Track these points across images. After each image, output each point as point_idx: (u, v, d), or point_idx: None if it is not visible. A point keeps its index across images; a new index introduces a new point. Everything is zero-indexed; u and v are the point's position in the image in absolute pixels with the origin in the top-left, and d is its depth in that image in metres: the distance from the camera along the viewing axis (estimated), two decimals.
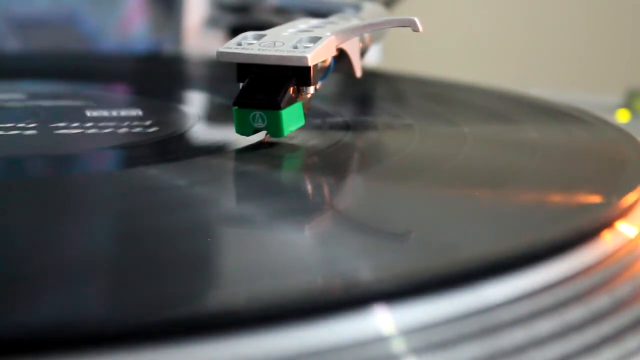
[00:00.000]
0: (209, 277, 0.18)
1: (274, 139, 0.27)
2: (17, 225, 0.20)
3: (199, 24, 0.55)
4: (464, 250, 0.19)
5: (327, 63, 0.28)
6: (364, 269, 0.18)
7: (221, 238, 0.20)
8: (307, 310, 0.16)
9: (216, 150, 0.29)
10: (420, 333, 0.17)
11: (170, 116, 0.33)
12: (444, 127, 0.32)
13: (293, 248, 0.20)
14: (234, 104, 0.26)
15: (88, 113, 0.32)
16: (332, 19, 0.32)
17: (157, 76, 0.46)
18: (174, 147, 0.29)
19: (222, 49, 0.27)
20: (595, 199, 0.23)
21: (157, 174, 0.25)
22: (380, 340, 0.16)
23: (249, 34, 0.28)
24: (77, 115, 0.32)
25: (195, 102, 0.39)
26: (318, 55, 0.26)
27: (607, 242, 0.21)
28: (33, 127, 0.30)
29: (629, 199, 0.22)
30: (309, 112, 0.28)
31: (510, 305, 0.18)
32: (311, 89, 0.27)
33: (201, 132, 0.30)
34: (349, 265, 0.18)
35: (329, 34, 0.27)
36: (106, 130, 0.30)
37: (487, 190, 0.24)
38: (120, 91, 0.42)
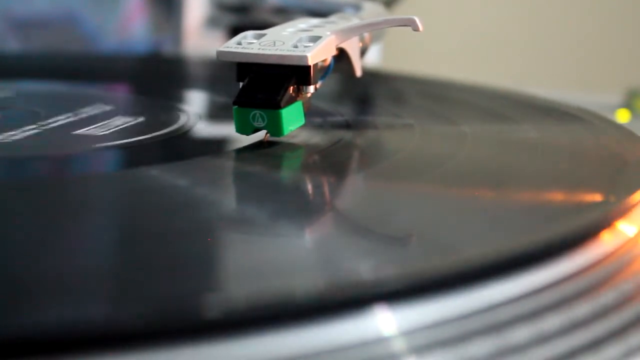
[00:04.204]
0: (210, 278, 0.18)
1: (274, 138, 0.27)
2: (17, 226, 0.20)
3: (199, 24, 0.55)
4: (464, 250, 0.19)
5: (327, 62, 0.28)
6: (365, 269, 0.18)
7: (222, 239, 0.20)
8: (307, 311, 0.16)
9: (216, 150, 0.29)
10: (421, 333, 0.17)
11: (170, 116, 0.33)
12: (444, 127, 0.32)
13: (294, 248, 0.20)
14: (234, 103, 0.26)
15: (88, 113, 0.32)
16: (332, 18, 0.32)
17: (157, 76, 0.46)
18: (174, 147, 0.29)
19: (222, 49, 0.27)
20: (596, 198, 0.23)
21: (158, 174, 0.25)
22: (381, 340, 0.16)
23: (249, 33, 0.28)
24: (77, 115, 0.32)
25: (195, 102, 0.39)
26: (318, 54, 0.26)
27: (607, 242, 0.21)
28: (33, 127, 0.30)
29: (630, 198, 0.22)
30: (309, 112, 0.28)
31: (511, 304, 0.18)
32: (311, 89, 0.27)
33: (201, 132, 0.30)
34: (350, 265, 0.18)
35: (329, 33, 0.27)
36: (107, 131, 0.30)
37: (487, 190, 0.24)
38: (120, 91, 0.42)
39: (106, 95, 0.38)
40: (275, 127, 0.26)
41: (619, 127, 0.31)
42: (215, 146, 0.30)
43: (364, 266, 0.18)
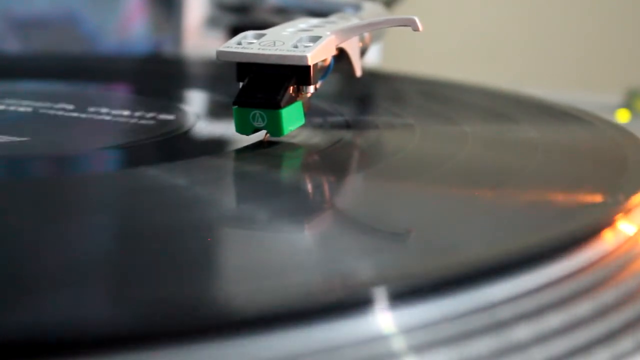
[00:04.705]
0: (209, 277, 0.18)
1: (274, 138, 0.27)
2: (17, 226, 0.20)
3: (199, 24, 0.55)
4: (464, 250, 0.19)
5: (327, 62, 0.28)
6: (365, 269, 0.18)
7: (221, 238, 0.20)
8: (307, 310, 0.16)
9: (216, 150, 0.29)
10: (421, 332, 0.17)
11: (170, 116, 0.33)
12: (444, 127, 0.32)
13: (293, 248, 0.20)
14: (234, 103, 0.26)
15: (88, 113, 0.32)
16: (332, 18, 0.32)
17: (157, 76, 0.46)
18: (174, 147, 0.29)
19: (221, 48, 0.27)
20: (596, 198, 0.23)
21: (158, 174, 0.25)
22: (381, 339, 0.16)
23: (249, 33, 0.28)
24: (77, 115, 0.32)
25: (195, 102, 0.39)
26: (318, 54, 0.26)
27: (607, 241, 0.21)
28: (33, 127, 0.30)
29: (630, 198, 0.22)
30: (309, 112, 0.28)
31: (510, 304, 0.18)
32: (311, 89, 0.27)
33: (201, 131, 0.30)
34: (349, 265, 0.18)
35: (328, 33, 0.27)
36: (106, 131, 0.30)
37: (488, 190, 0.24)
38: (120, 91, 0.42)
39: (106, 95, 0.38)
40: (275, 127, 0.26)
41: (619, 128, 0.31)
42: (215, 146, 0.30)
43: (364, 266, 0.18)
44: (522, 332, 0.17)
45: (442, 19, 0.71)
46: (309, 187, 0.25)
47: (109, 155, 0.28)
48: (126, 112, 0.32)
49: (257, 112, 0.26)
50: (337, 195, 0.24)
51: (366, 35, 0.32)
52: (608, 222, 0.21)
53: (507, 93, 0.38)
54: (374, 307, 0.17)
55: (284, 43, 0.26)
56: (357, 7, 0.36)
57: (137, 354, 0.15)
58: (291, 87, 0.26)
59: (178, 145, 0.29)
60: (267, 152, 0.27)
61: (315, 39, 0.27)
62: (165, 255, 0.18)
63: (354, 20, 0.31)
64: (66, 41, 0.53)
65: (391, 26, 0.29)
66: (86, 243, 0.19)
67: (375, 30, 0.31)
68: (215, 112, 0.36)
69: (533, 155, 0.27)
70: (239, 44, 0.27)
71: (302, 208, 0.23)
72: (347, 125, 0.31)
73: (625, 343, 0.18)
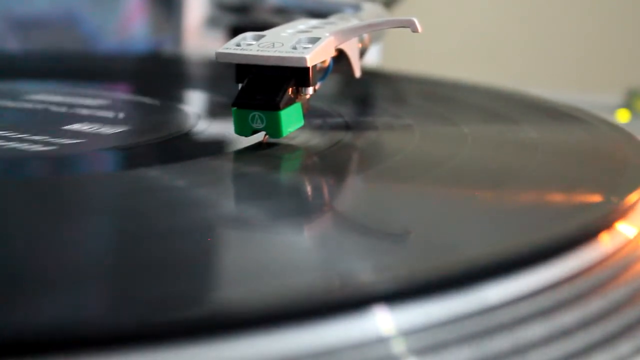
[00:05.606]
0: (209, 278, 0.18)
1: (273, 140, 0.27)
2: (17, 226, 0.20)
3: (199, 24, 0.55)
4: (463, 251, 0.19)
5: (326, 64, 0.28)
6: (364, 270, 0.18)
7: (221, 239, 0.20)
8: (306, 311, 0.16)
9: (216, 151, 0.29)
10: (420, 334, 0.17)
11: (170, 116, 0.33)
12: (444, 127, 0.32)
13: (293, 249, 0.20)
14: (233, 105, 0.26)
15: (88, 113, 0.32)
16: (331, 19, 0.32)
17: (157, 76, 0.46)
18: (174, 148, 0.29)
19: (221, 50, 0.27)
20: (596, 199, 0.23)
21: (157, 175, 0.25)
22: (380, 341, 0.16)
23: (248, 34, 0.28)
24: (77, 115, 0.32)
25: (195, 102, 0.39)
26: (317, 55, 0.26)
27: (607, 243, 0.21)
28: (32, 127, 0.30)
29: (629, 199, 0.22)
30: (309, 113, 0.28)
31: (510, 306, 0.18)
32: (310, 90, 0.27)
33: (201, 132, 0.30)
34: (349, 265, 0.18)
35: (328, 34, 0.27)
36: (106, 131, 0.30)
37: (487, 190, 0.24)
38: (120, 91, 0.42)
39: (106, 95, 0.38)
40: (274, 128, 0.26)
41: (618, 129, 0.31)
42: (214, 147, 0.30)
43: (363, 267, 0.18)
44: (521, 332, 0.17)
45: (442, 19, 0.71)
46: (308, 188, 0.25)
47: (109, 156, 0.28)
48: (126, 112, 0.32)
49: (256, 113, 0.26)
50: (337, 196, 0.24)
51: (365, 36, 0.32)
52: (607, 224, 0.21)
53: (507, 93, 0.38)
54: (373, 307, 0.17)
55: (283, 44, 0.26)
56: (356, 8, 0.36)
57: (136, 354, 0.15)
58: (290, 89, 0.26)
59: (178, 146, 0.29)
60: (267, 153, 0.27)
61: (314, 40, 0.27)
62: (164, 256, 0.18)
63: (354, 21, 0.31)
64: (66, 41, 0.53)
65: (390, 27, 0.29)
66: (86, 243, 0.19)
67: (375, 31, 0.31)
68: (215, 112, 0.36)
69: (533, 156, 0.27)
70: (238, 45, 0.27)
71: (301, 209, 0.23)
72: (347, 127, 0.31)
73: (625, 346, 0.18)
